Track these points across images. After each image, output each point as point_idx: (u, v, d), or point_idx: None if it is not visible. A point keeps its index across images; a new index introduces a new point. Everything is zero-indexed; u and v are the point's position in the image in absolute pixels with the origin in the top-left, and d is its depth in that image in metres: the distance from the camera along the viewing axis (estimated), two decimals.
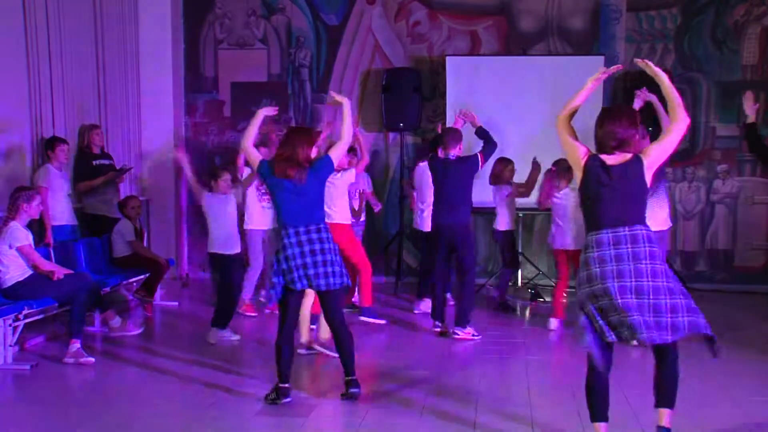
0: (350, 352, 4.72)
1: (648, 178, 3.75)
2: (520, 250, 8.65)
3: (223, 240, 6.22)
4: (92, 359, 5.59)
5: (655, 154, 3.77)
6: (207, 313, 7.51)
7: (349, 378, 4.72)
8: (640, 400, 4.65)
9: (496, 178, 7.41)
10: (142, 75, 8.96)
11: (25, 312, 5.61)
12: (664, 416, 3.72)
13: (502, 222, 7.45)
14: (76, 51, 7.62)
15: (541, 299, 7.88)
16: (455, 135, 6.42)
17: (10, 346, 5.55)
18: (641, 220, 3.70)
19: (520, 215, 8.64)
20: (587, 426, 4.27)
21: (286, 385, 4.67)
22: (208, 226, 6.27)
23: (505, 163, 7.40)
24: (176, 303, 7.90)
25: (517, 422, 4.37)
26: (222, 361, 5.64)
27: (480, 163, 6.38)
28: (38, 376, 5.34)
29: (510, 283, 7.84)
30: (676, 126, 3.77)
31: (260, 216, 7.17)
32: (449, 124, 8.60)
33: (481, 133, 6.50)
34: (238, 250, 6.33)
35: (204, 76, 9.39)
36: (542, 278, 8.58)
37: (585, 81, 4.05)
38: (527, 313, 7.58)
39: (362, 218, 7.57)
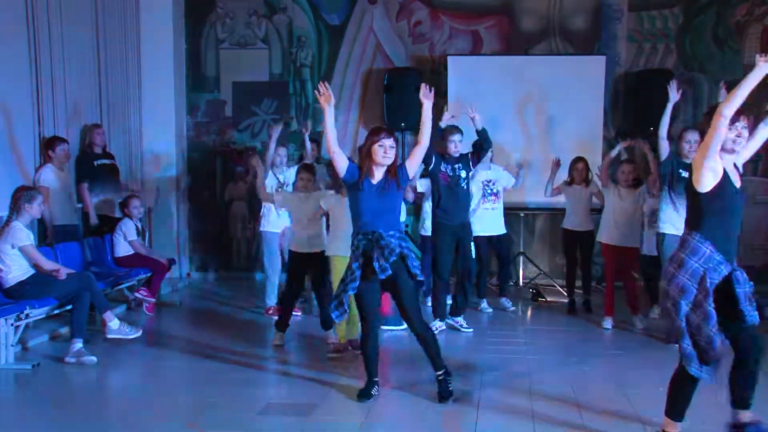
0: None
1: (696, 178, 3.72)
2: (521, 250, 8.66)
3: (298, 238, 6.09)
4: (94, 358, 5.60)
5: (698, 155, 3.73)
6: (208, 312, 7.55)
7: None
8: (642, 399, 4.67)
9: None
10: (144, 74, 8.97)
11: (27, 311, 5.62)
12: None
13: (575, 222, 7.36)
14: (78, 51, 7.63)
15: (543, 299, 7.88)
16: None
17: (12, 345, 5.56)
18: (692, 225, 3.76)
19: (521, 215, 8.65)
20: (588, 423, 4.28)
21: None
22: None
23: (572, 162, 7.35)
24: (178, 302, 7.91)
25: (518, 419, 4.37)
26: (223, 361, 5.64)
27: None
28: (40, 376, 5.34)
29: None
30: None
31: (275, 219, 7.10)
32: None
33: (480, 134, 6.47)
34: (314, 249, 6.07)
35: (205, 75, 9.40)
36: (544, 278, 8.58)
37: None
38: (529, 312, 7.56)
39: None
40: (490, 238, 7.35)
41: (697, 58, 8.71)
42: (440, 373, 4.70)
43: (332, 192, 5.81)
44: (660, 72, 8.56)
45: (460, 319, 6.55)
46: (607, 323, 6.69)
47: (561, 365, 5.62)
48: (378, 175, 4.65)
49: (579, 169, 7.29)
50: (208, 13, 9.34)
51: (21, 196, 5.76)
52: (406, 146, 8.99)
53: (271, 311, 7.10)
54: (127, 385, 5.40)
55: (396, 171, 4.65)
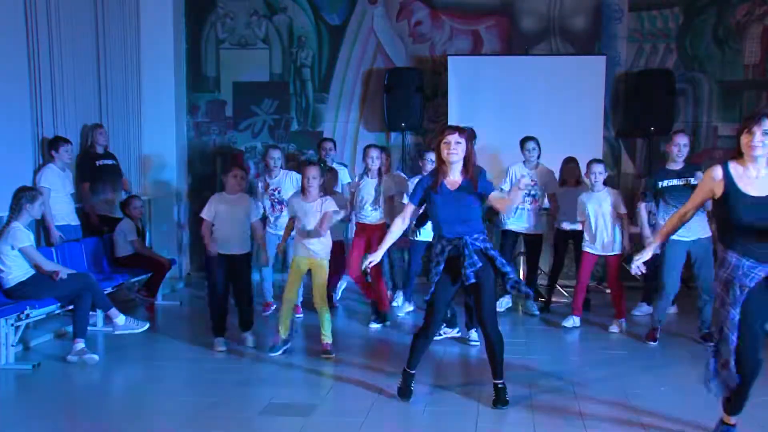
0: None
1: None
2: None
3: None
4: (96, 357, 5.61)
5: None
6: (208, 312, 7.54)
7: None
8: (642, 400, 4.67)
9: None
10: (144, 75, 8.96)
11: (27, 312, 5.62)
12: None
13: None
14: (78, 51, 7.63)
15: (543, 298, 7.87)
16: None
17: (12, 345, 5.56)
18: (720, 239, 3.81)
19: None
20: (588, 424, 4.28)
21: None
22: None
23: (563, 163, 7.27)
24: (178, 302, 7.91)
25: (519, 419, 4.38)
26: (224, 361, 5.65)
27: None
28: (40, 376, 5.35)
29: None
30: None
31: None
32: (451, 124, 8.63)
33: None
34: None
35: (206, 75, 9.40)
36: (543, 278, 8.56)
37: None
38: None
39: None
40: None
41: (698, 58, 8.70)
42: (500, 381, 4.67)
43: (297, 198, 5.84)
44: (660, 72, 8.57)
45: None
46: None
47: (561, 365, 5.62)
48: (455, 178, 4.60)
49: (570, 170, 7.27)
50: (208, 13, 9.34)
51: (22, 196, 5.76)
52: (406, 146, 9.00)
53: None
54: (128, 385, 5.41)
55: (476, 177, 4.62)
